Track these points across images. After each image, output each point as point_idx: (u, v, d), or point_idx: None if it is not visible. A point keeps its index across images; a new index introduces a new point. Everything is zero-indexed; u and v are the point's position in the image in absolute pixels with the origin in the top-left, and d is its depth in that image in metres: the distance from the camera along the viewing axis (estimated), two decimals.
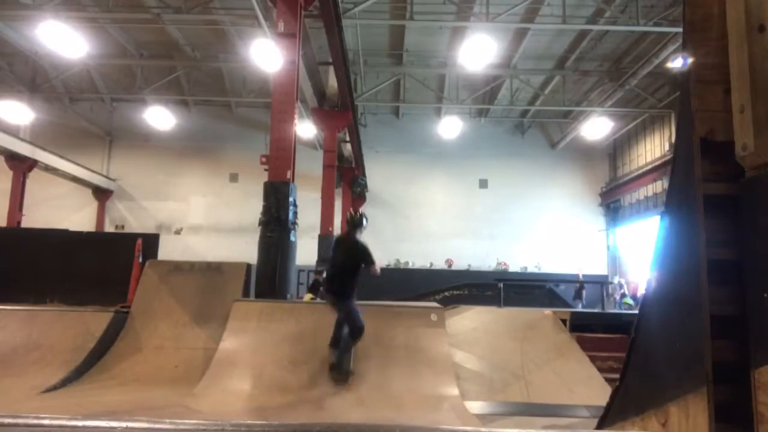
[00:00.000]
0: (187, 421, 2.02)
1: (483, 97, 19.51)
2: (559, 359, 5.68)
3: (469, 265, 20.10)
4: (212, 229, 20.81)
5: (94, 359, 5.52)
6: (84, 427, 1.82)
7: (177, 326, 5.98)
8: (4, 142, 15.07)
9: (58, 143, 18.83)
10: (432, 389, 5.07)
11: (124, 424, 1.86)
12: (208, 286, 6.43)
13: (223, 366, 5.23)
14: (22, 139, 16.45)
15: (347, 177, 18.72)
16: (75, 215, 20.29)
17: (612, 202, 21.14)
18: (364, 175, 19.50)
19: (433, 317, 5.87)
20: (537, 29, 14.80)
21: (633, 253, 19.56)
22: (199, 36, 16.40)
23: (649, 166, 18.46)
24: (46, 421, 1.83)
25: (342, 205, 17.25)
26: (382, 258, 18.66)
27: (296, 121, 7.86)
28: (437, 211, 21.25)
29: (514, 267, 20.22)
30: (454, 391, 5.03)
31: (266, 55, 12.40)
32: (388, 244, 19.70)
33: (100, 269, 9.14)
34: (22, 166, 16.33)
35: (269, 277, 7.03)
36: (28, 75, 18.44)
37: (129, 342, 5.84)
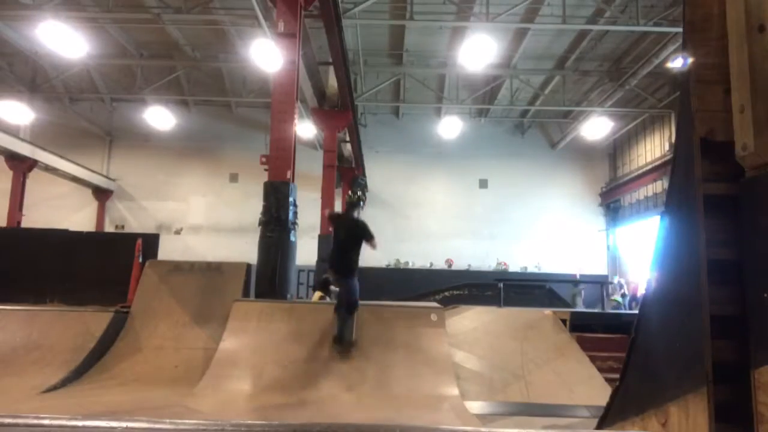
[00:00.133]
0: (187, 421, 2.03)
1: (483, 97, 19.49)
2: (559, 359, 5.68)
3: (469, 265, 20.05)
4: (212, 229, 20.78)
5: (94, 359, 5.52)
6: (84, 427, 1.83)
7: (177, 326, 5.98)
8: (4, 142, 15.04)
9: (58, 143, 18.79)
10: (432, 389, 5.07)
11: (124, 424, 1.86)
12: (208, 286, 6.44)
13: (223, 366, 5.23)
14: (22, 139, 16.43)
15: (347, 177, 18.71)
16: (75, 215, 20.25)
17: (612, 202, 21.10)
18: (364, 175, 19.50)
19: (433, 317, 5.88)
20: (537, 29, 14.78)
21: (633, 253, 19.54)
22: (199, 36, 16.39)
23: (649, 166, 18.42)
24: (46, 421, 1.84)
25: (342, 205, 17.19)
26: (382, 258, 18.75)
27: (296, 121, 7.86)
28: (437, 211, 21.22)
29: (514, 267, 20.16)
30: (454, 391, 5.02)
31: (266, 55, 12.39)
32: (388, 244, 19.63)
33: (100, 269, 9.15)
34: (22, 166, 16.31)
35: (269, 277, 7.04)
36: (28, 75, 18.42)
37: (129, 342, 5.85)
